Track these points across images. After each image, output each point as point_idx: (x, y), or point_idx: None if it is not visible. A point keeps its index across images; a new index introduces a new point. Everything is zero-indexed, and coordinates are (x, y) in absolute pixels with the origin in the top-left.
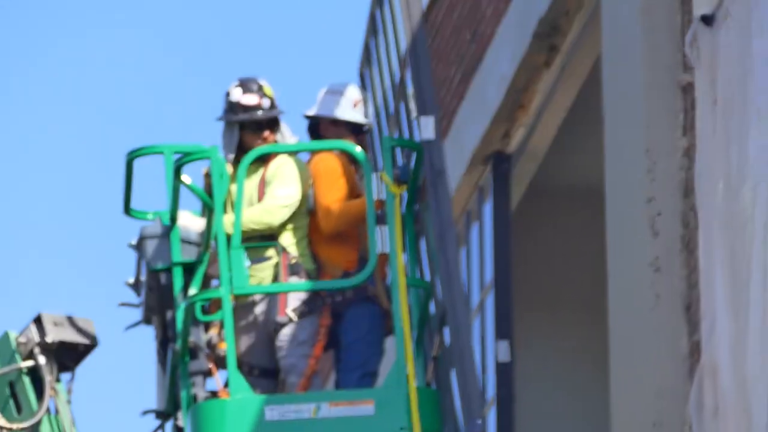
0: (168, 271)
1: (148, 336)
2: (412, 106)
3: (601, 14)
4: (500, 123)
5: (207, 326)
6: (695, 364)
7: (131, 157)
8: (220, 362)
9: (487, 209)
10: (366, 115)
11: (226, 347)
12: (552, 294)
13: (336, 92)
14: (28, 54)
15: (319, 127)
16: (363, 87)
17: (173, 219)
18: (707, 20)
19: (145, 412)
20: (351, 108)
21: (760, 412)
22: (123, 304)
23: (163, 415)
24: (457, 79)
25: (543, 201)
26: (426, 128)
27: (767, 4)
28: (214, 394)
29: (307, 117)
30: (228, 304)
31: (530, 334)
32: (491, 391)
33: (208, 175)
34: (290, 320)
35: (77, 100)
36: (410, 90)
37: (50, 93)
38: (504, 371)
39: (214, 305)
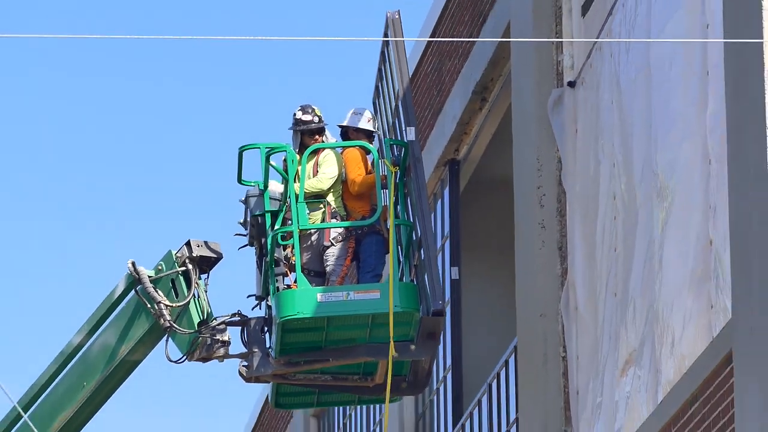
0: (262, 215)
1: (250, 253)
2: (402, 121)
3: (511, 81)
4: (453, 143)
5: (284, 247)
6: (564, 281)
7: (241, 150)
8: (292, 268)
9: (446, 192)
10: (375, 126)
11: (295, 259)
12: (483, 241)
13: (358, 113)
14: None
15: (348, 133)
16: (374, 110)
17: (265, 185)
18: (571, 84)
19: (249, 296)
20: (366, 122)
21: (599, 308)
22: (237, 235)
23: (259, 297)
24: (429, 117)
25: (478, 188)
26: (410, 133)
27: (605, 76)
28: (288, 287)
29: (340, 126)
30: (296, 235)
31: (471, 263)
32: (447, 296)
33: (285, 161)
34: (332, 244)
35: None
36: (401, 112)
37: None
38: (455, 285)
39: (289, 235)
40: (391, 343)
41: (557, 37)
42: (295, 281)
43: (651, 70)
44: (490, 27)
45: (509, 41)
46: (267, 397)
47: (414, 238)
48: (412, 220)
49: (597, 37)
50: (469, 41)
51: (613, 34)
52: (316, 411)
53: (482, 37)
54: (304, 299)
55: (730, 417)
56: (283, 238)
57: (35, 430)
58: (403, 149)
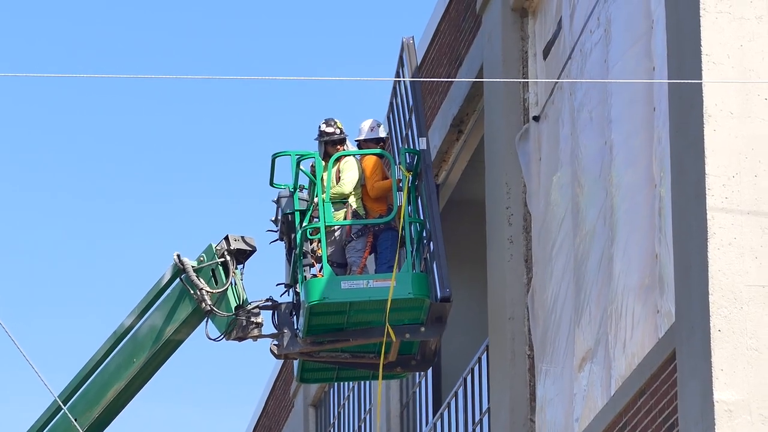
0: (292, 214)
1: (280, 247)
2: (414, 132)
3: (484, 115)
4: (434, 168)
5: (312, 241)
6: (529, 289)
7: (274, 157)
8: (318, 260)
9: None
10: (384, 132)
11: (321, 252)
12: (459, 254)
13: (374, 125)
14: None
15: (359, 144)
16: (389, 123)
17: (295, 187)
18: (536, 118)
19: (279, 284)
20: (370, 132)
21: (559, 313)
22: (269, 230)
23: (288, 285)
24: None
25: (456, 208)
26: (421, 143)
27: (565, 111)
28: (315, 276)
29: (357, 140)
30: (323, 230)
31: (455, 268)
32: None
33: (312, 166)
34: (353, 238)
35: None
36: (414, 124)
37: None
38: None
39: (316, 231)
40: (386, 324)
41: (524, 78)
42: (321, 271)
43: (604, 107)
44: (466, 69)
45: (482, 81)
46: (272, 387)
47: (424, 234)
48: (423, 218)
49: (558, 78)
50: (447, 81)
51: (572, 75)
52: (315, 401)
53: (459, 77)
54: (329, 286)
55: (674, 407)
56: (311, 234)
57: (69, 415)
58: (416, 157)
